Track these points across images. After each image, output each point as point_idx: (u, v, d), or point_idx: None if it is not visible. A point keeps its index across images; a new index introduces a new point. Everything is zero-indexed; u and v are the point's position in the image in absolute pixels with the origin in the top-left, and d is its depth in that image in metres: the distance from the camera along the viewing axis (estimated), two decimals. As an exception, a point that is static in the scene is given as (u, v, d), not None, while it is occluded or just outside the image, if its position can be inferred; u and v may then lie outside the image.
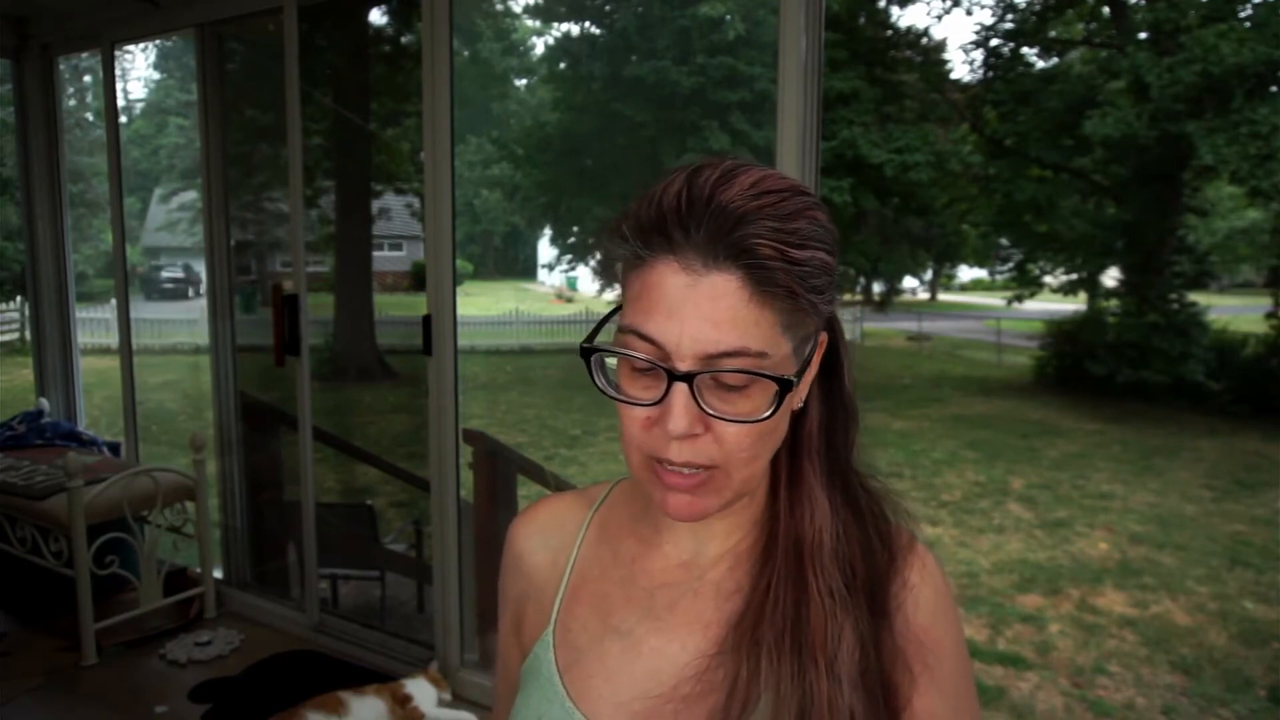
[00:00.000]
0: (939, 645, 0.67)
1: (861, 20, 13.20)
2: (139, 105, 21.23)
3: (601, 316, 0.69)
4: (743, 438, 0.61)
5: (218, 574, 3.05)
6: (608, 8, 14.61)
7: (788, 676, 0.63)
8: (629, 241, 0.62)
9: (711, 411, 0.60)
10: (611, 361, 0.64)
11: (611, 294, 0.69)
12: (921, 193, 13.00)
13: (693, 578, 0.72)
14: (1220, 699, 4.16)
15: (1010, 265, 13.89)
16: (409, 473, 4.16)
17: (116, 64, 3.18)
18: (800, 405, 0.69)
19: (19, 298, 13.64)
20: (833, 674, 0.63)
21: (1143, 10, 11.53)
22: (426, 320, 2.35)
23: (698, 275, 0.58)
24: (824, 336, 0.67)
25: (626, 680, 0.69)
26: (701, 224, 0.58)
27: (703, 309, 0.58)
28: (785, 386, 0.61)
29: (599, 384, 0.64)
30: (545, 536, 0.80)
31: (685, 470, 0.62)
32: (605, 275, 0.68)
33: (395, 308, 12.78)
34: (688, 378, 0.59)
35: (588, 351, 0.64)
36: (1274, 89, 9.84)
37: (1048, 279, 13.22)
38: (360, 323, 7.57)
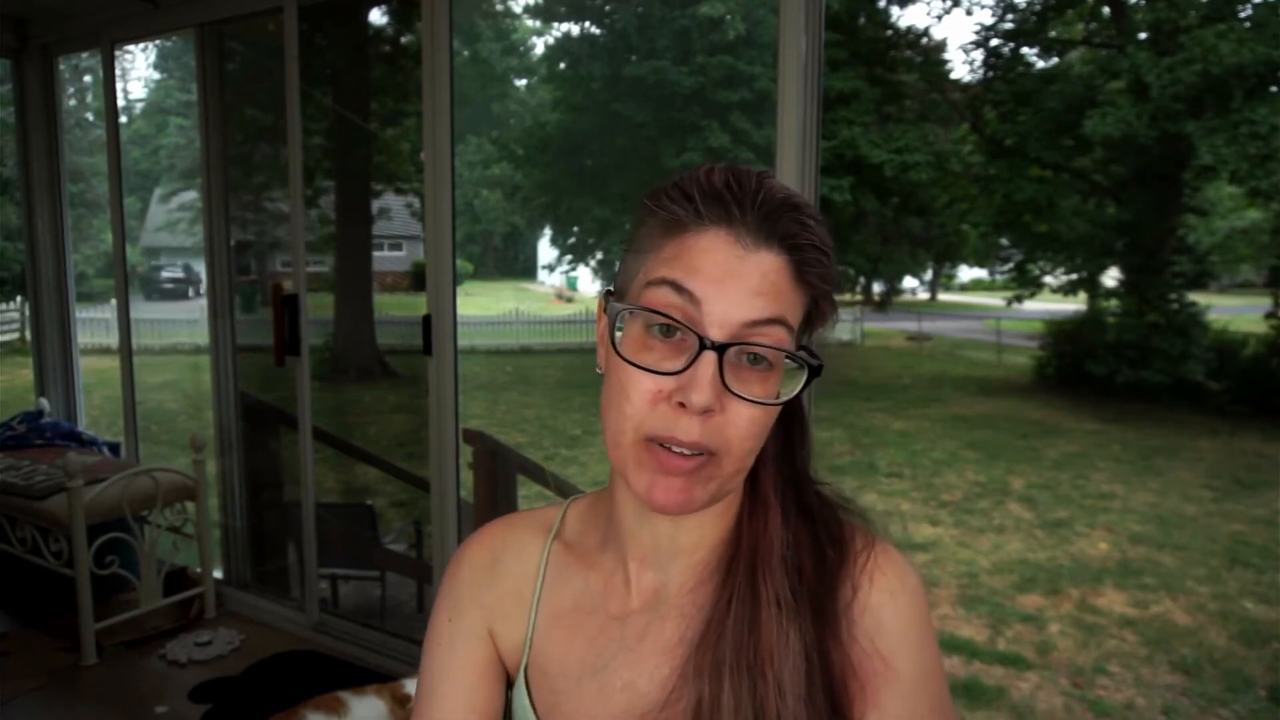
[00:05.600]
0: (897, 671, 0.64)
1: (861, 20, 13.19)
2: (139, 105, 21.23)
3: (604, 292, 0.67)
4: (753, 424, 0.60)
5: (218, 574, 3.05)
6: (608, 8, 14.61)
7: (745, 696, 0.62)
8: (681, 204, 0.62)
9: (734, 389, 0.59)
10: (619, 334, 0.63)
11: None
12: (921, 193, 13.00)
13: (659, 602, 0.70)
14: (1220, 699, 4.16)
15: (1010, 265, 13.89)
16: (409, 473, 4.15)
17: (116, 64, 3.18)
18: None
19: (19, 298, 13.64)
20: (780, 689, 0.61)
21: (1143, 10, 11.52)
22: (426, 320, 2.35)
23: (747, 250, 0.60)
24: None
25: (604, 718, 0.68)
26: (755, 205, 0.60)
27: (748, 281, 0.59)
28: (815, 371, 0.61)
29: (616, 346, 0.62)
30: (502, 567, 0.76)
31: (687, 452, 0.60)
32: (630, 243, 0.67)
33: (395, 308, 12.77)
34: (720, 348, 0.58)
35: (616, 311, 0.63)
36: (1274, 89, 9.83)
37: (1048, 279, 13.22)
38: (360, 323, 7.56)
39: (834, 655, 0.63)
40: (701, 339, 0.58)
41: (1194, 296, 11.29)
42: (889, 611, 0.65)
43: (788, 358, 0.61)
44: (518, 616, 0.74)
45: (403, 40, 6.63)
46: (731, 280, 0.59)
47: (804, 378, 0.62)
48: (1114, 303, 12.03)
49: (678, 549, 0.69)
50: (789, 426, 0.70)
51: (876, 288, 21.22)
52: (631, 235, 0.66)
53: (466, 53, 19.15)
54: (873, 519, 0.70)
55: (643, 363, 0.60)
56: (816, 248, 0.61)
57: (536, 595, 0.74)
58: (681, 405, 0.59)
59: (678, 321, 0.59)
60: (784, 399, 0.62)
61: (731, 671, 0.62)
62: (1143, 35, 11.13)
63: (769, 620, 0.63)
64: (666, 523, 0.68)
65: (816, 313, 0.64)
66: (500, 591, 0.76)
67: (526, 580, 0.75)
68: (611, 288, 0.67)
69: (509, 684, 0.75)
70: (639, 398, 0.60)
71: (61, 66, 3.47)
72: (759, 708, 0.61)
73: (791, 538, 0.66)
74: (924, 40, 14.02)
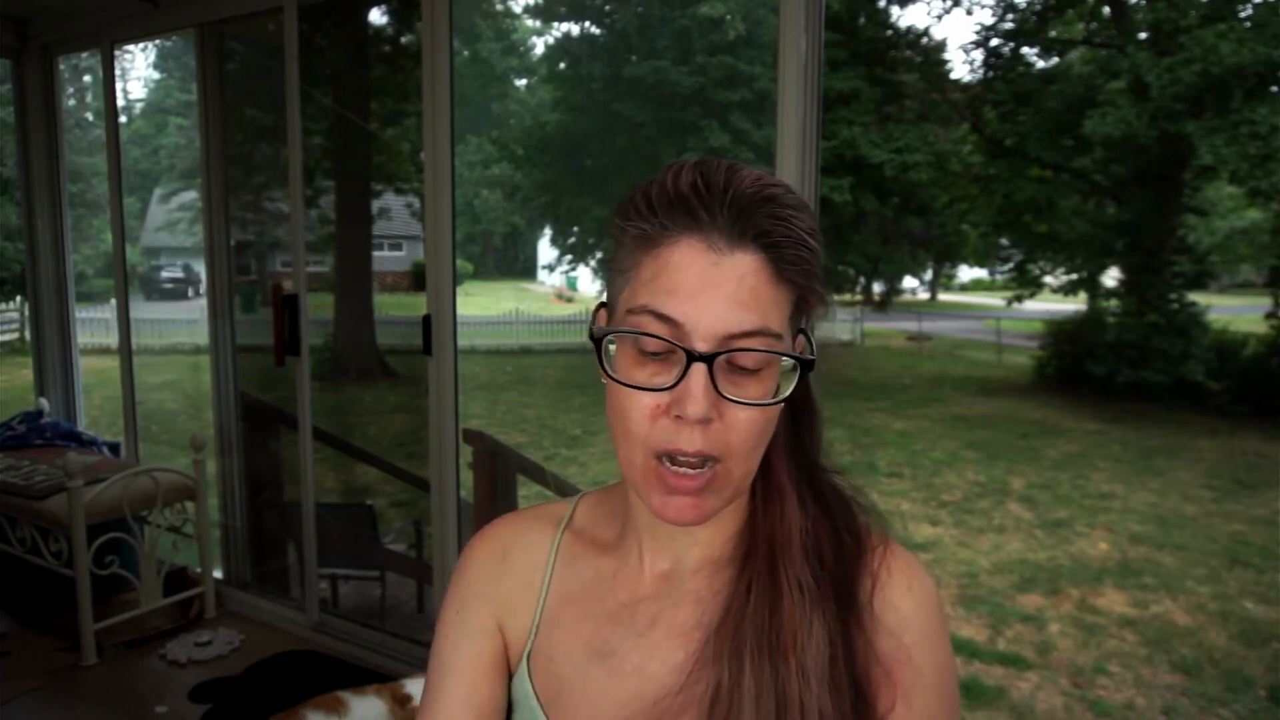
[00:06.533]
0: (919, 667, 0.65)
1: (861, 20, 13.19)
2: (139, 105, 21.23)
3: (597, 305, 0.68)
4: (753, 425, 0.60)
5: (218, 574, 3.05)
6: (608, 8, 14.62)
7: (767, 680, 0.62)
8: (648, 218, 0.61)
9: (728, 395, 0.59)
10: (612, 348, 0.63)
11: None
12: (921, 193, 13.00)
13: (672, 589, 0.70)
14: (1220, 699, 4.16)
15: (1010, 265, 13.89)
16: (409, 473, 4.15)
17: (116, 64, 3.18)
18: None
19: (19, 298, 13.64)
20: (803, 673, 0.62)
21: (1143, 10, 11.52)
22: (426, 320, 2.35)
23: (721, 254, 0.59)
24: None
25: (611, 705, 0.68)
26: (724, 205, 0.59)
27: (726, 289, 0.58)
28: (808, 366, 0.62)
29: (607, 371, 0.62)
30: (510, 560, 0.76)
31: (691, 468, 0.60)
32: (608, 265, 0.67)
33: (395, 308, 12.77)
34: (708, 358, 0.58)
35: (601, 335, 0.63)
36: (1274, 89, 9.84)
37: (1048, 279, 13.22)
38: (360, 323, 7.55)
39: (858, 641, 0.64)
40: (689, 352, 0.58)
41: (1194, 296, 11.29)
42: (909, 607, 0.66)
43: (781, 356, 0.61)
44: (525, 605, 0.74)
45: (403, 40, 6.63)
46: (709, 290, 0.58)
47: (797, 375, 0.63)
48: (1114, 303, 12.04)
49: (694, 540, 0.70)
50: (797, 412, 0.70)
51: (876, 288, 21.21)
52: (613, 252, 0.66)
53: (466, 53, 19.15)
54: (885, 517, 0.71)
55: (635, 381, 0.60)
56: (796, 242, 0.60)
57: (545, 583, 0.74)
58: (680, 418, 0.59)
59: (663, 339, 0.59)
60: (780, 398, 0.62)
61: (753, 656, 0.63)
62: (1143, 35, 11.13)
63: (791, 606, 0.63)
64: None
65: (804, 305, 0.63)
66: (509, 584, 0.75)
67: (536, 570, 0.75)
68: (605, 300, 0.67)
69: (512, 673, 0.75)
70: (639, 415, 0.60)
71: (61, 66, 3.47)
72: (781, 692, 0.61)
73: (810, 525, 0.67)
74: (924, 40, 14.03)
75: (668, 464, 0.61)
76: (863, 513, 0.70)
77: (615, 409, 0.62)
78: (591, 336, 0.64)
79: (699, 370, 0.58)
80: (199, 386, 9.17)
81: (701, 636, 0.66)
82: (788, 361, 0.62)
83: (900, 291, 23.60)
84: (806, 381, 0.68)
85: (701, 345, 0.58)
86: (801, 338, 0.64)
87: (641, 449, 0.61)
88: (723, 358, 0.58)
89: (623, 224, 0.63)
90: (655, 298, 0.59)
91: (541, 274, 27.38)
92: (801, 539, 0.66)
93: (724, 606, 0.66)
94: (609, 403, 0.63)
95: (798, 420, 0.71)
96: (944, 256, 18.61)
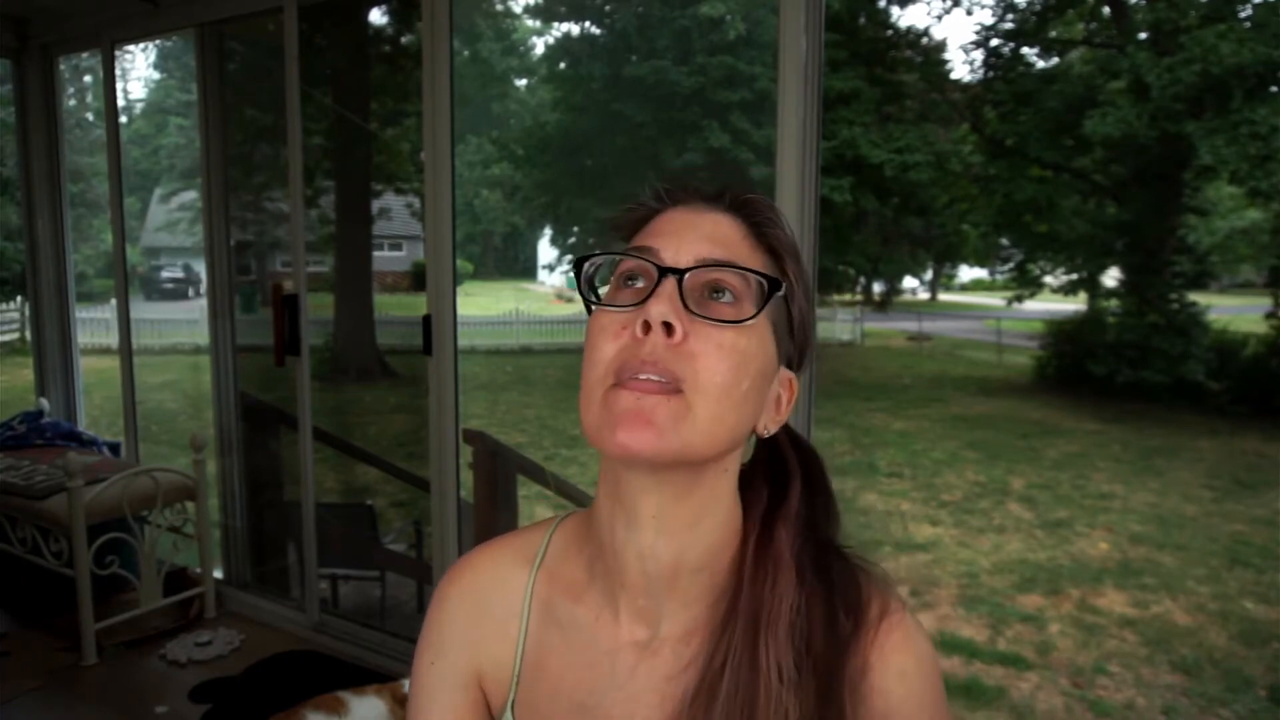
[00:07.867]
0: None
1: (861, 20, 13.19)
2: (139, 105, 21.23)
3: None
4: (722, 353, 0.59)
5: (218, 574, 3.05)
6: (608, 8, 14.62)
7: None
8: (645, 199, 0.68)
9: (695, 310, 0.59)
10: (603, 293, 0.66)
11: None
12: (921, 193, 12.99)
13: (652, 638, 0.67)
14: (1220, 699, 4.16)
15: (1010, 265, 13.90)
16: (409, 473, 4.15)
17: (116, 64, 3.18)
18: (771, 430, 0.67)
19: (19, 298, 13.64)
20: None
21: (1143, 10, 11.52)
22: (426, 320, 2.35)
23: (700, 212, 0.65)
24: (790, 377, 0.67)
25: None
26: (703, 189, 0.68)
27: (702, 230, 0.64)
28: (774, 286, 0.62)
29: (583, 293, 0.64)
30: (485, 606, 0.73)
31: (654, 378, 0.57)
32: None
33: (395, 308, 12.77)
34: (679, 273, 0.60)
35: (579, 256, 0.66)
36: (1274, 89, 9.83)
37: (1048, 279, 13.22)
38: (360, 323, 7.56)
39: None
40: (660, 268, 0.60)
41: (1194, 296, 11.28)
42: (899, 696, 0.63)
43: (750, 275, 0.62)
44: (505, 654, 0.72)
45: (403, 40, 6.63)
46: (686, 230, 0.63)
47: (766, 302, 0.62)
48: (1114, 303, 12.03)
49: (661, 566, 0.65)
50: (813, 495, 0.69)
51: (876, 288, 21.20)
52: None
53: (466, 53, 19.16)
54: (894, 587, 0.67)
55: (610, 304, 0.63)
56: (768, 206, 0.66)
57: (523, 630, 0.72)
58: (646, 329, 0.58)
59: (635, 256, 0.62)
60: (746, 319, 0.60)
61: None
62: (1143, 35, 11.13)
63: (767, 691, 0.60)
64: (648, 531, 0.64)
65: (786, 286, 0.64)
66: (486, 631, 0.73)
67: (511, 618, 0.72)
68: None
69: None
70: (606, 339, 0.60)
71: (61, 66, 3.47)
72: None
73: (804, 602, 0.63)
74: (924, 40, 14.02)
75: (625, 386, 0.58)
76: (869, 583, 0.66)
77: (586, 343, 0.62)
78: (575, 265, 0.66)
79: (668, 281, 0.59)
80: (199, 386, 9.17)
81: (676, 705, 0.64)
82: (751, 318, 0.61)
83: (900, 291, 23.58)
84: (820, 465, 0.70)
85: (673, 264, 0.61)
86: (783, 343, 0.66)
87: (600, 381, 0.59)
88: (693, 278, 0.60)
89: (625, 209, 0.69)
90: (636, 242, 0.66)
91: (541, 274, 27.37)
92: (791, 617, 0.62)
93: (699, 676, 0.63)
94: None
95: (813, 504, 0.68)
96: (944, 256, 18.59)
